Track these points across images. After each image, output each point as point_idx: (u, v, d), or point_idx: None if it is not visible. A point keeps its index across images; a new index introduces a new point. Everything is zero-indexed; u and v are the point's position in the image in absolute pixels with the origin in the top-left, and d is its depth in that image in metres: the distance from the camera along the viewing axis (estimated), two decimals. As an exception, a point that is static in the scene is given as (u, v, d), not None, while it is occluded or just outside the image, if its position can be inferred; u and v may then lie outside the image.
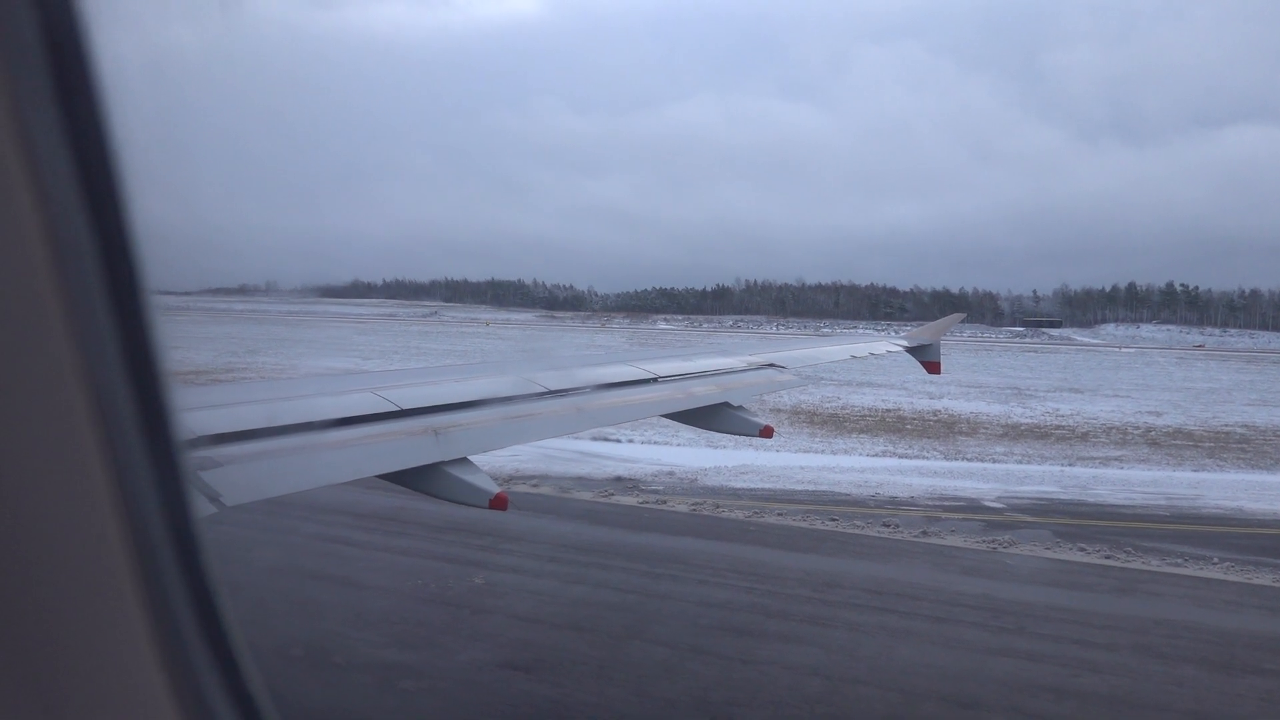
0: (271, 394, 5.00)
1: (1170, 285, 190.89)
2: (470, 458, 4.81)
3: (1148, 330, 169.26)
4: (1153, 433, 28.53)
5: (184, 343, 53.75)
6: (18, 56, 1.01)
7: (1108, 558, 12.63)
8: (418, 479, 4.59)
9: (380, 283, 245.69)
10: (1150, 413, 34.47)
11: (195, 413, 3.86)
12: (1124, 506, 16.71)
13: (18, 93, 1.01)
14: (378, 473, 4.44)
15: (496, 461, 16.20)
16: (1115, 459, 23.18)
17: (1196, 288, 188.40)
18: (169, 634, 1.20)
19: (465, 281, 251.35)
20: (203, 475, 3.40)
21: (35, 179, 1.02)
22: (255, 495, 3.64)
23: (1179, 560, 12.57)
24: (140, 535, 1.16)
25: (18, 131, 1.01)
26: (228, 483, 3.45)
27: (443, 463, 4.65)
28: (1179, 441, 26.72)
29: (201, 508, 3.17)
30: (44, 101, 1.05)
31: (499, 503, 4.65)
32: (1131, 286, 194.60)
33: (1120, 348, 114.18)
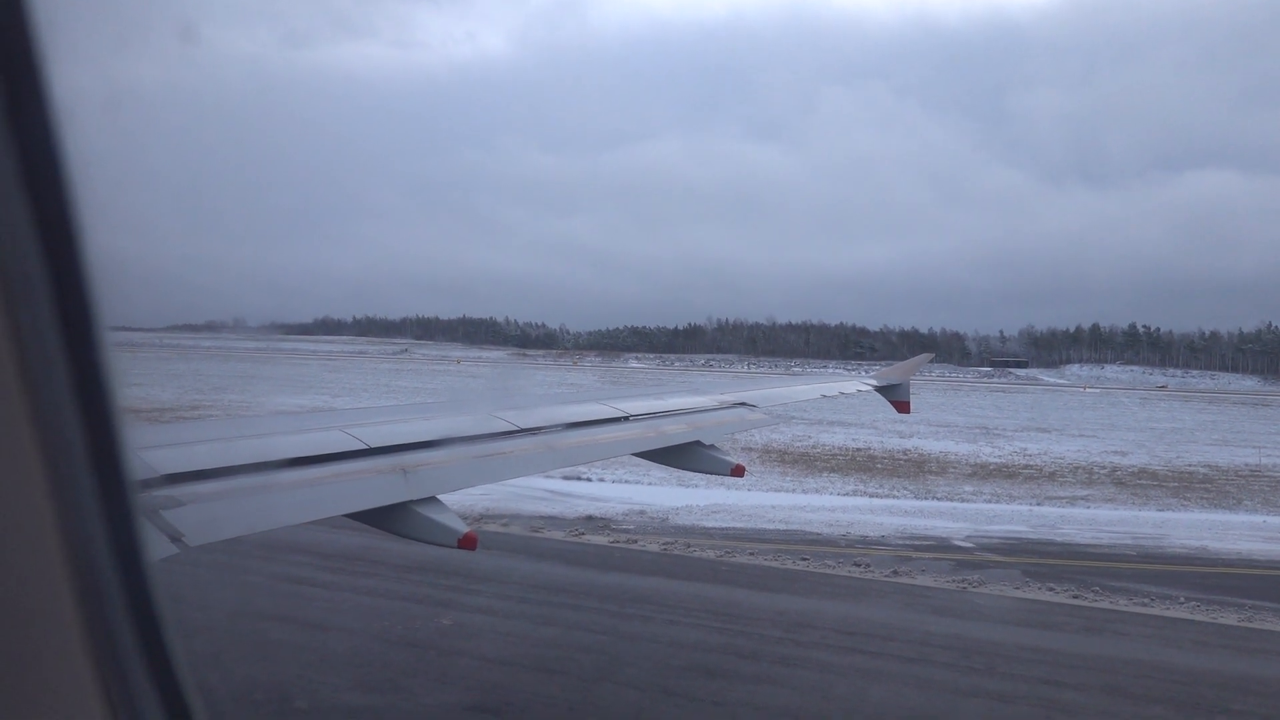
0: (237, 432, 4.93)
1: (1133, 326, 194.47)
2: (439, 497, 4.76)
3: (1112, 370, 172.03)
4: (1118, 472, 28.89)
5: (148, 379, 52.91)
6: None
7: (1076, 597, 12.69)
8: (386, 518, 4.53)
9: (350, 319, 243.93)
10: (1116, 452, 34.94)
11: (158, 450, 3.79)
12: (1091, 546, 16.85)
13: None
14: (345, 511, 4.38)
15: (466, 501, 16.02)
16: (1082, 498, 23.42)
17: (1158, 329, 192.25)
18: (114, 673, 1.16)
19: (437, 319, 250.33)
20: (165, 514, 3.32)
21: None
22: (219, 535, 3.57)
23: (1146, 600, 12.67)
24: (88, 573, 1.12)
25: None
26: (191, 522, 3.38)
27: (411, 502, 4.59)
28: (1144, 481, 27.07)
29: (163, 548, 3.10)
30: (4, 142, 1.03)
31: (468, 542, 4.59)
32: (1095, 327, 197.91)
33: (1085, 388, 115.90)
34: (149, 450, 3.70)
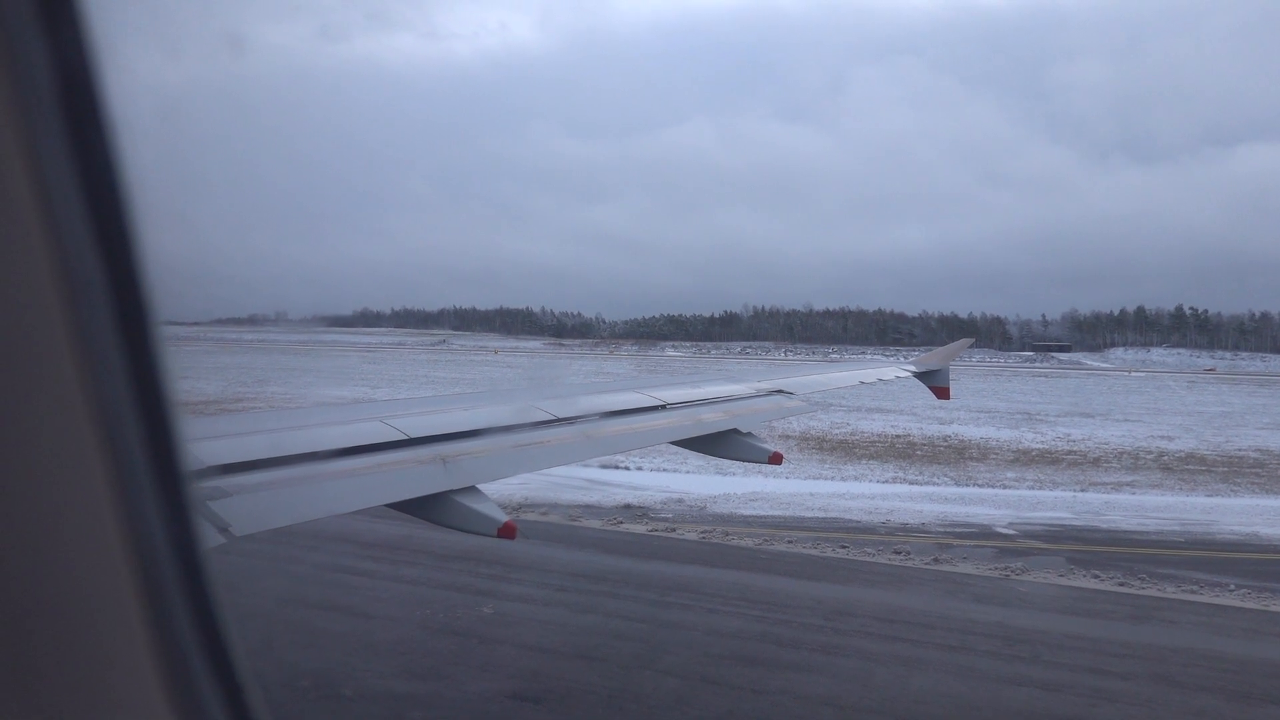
0: (280, 424, 5.01)
1: (1180, 308, 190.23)
2: (478, 486, 4.80)
3: (1158, 354, 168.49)
4: (1165, 457, 28.32)
5: (194, 373, 53.98)
6: (30, 91, 1.03)
7: (1122, 584, 12.49)
8: (426, 508, 4.58)
9: (389, 311, 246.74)
10: (1162, 437, 34.25)
11: (204, 443, 3.86)
12: (1138, 532, 16.55)
13: (31, 127, 1.02)
14: (386, 501, 4.43)
15: (505, 490, 16.16)
16: (1128, 484, 23.00)
17: (1206, 311, 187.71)
18: (175, 665, 1.19)
19: (474, 310, 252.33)
20: (212, 505, 3.39)
21: (47, 211, 1.03)
22: (264, 525, 3.63)
23: (1194, 587, 12.43)
24: (149, 566, 1.16)
25: (30, 166, 1.02)
26: (237, 513, 3.44)
27: (451, 491, 4.63)
28: (1192, 466, 26.51)
29: (210, 538, 3.16)
30: (55, 135, 1.06)
31: (507, 531, 4.63)
32: (1141, 310, 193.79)
33: (1130, 372, 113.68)
34: (196, 442, 3.77)
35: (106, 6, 1.10)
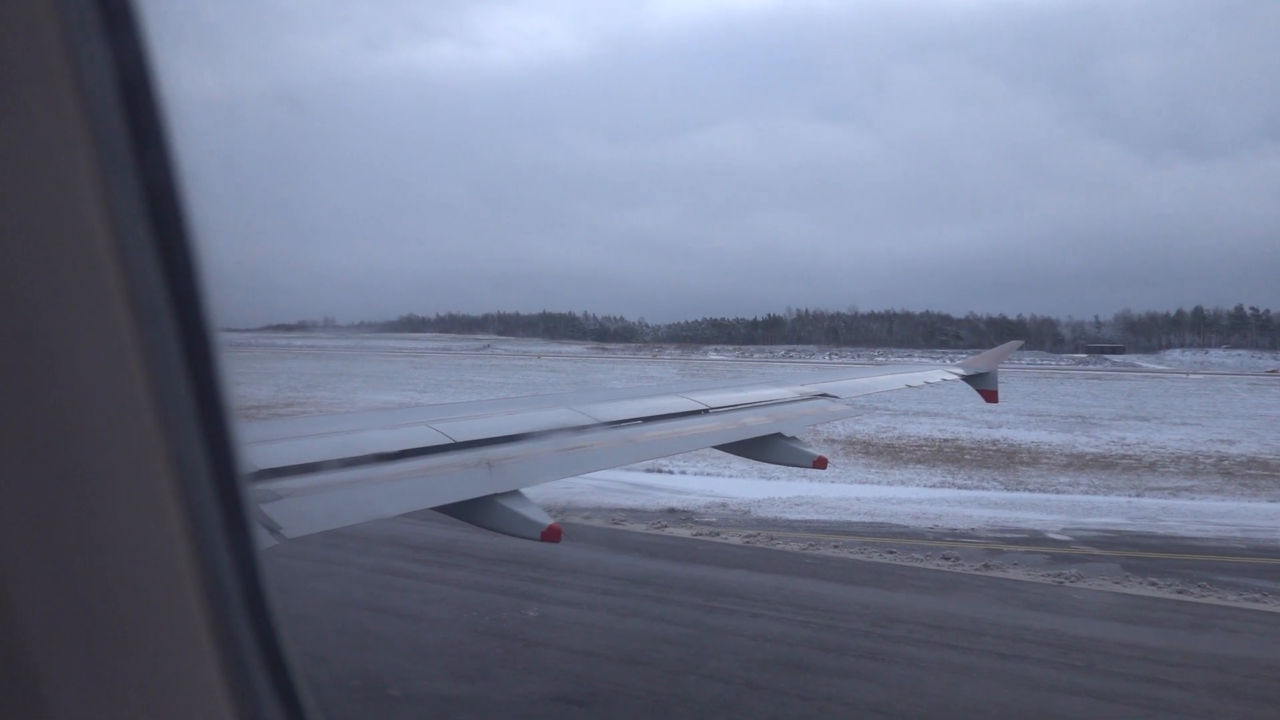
0: (329, 428, 5.09)
1: (1239, 308, 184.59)
2: (523, 490, 4.83)
3: (1216, 355, 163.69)
4: (1226, 462, 27.51)
5: (247, 378, 55.12)
6: (98, 102, 1.06)
7: (1180, 592, 12.15)
8: (471, 511, 4.62)
9: (434, 316, 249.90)
10: (1223, 441, 33.27)
11: (257, 447, 3.94)
12: (1197, 539, 16.09)
13: (96, 139, 1.06)
14: (432, 505, 4.48)
15: (549, 493, 16.24)
16: (1186, 489, 22.38)
17: (1268, 310, 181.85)
18: (234, 663, 1.22)
19: (517, 315, 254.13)
20: (264, 508, 3.46)
21: (113, 227, 1.06)
22: (315, 527, 3.69)
23: (1257, 595, 12.04)
24: (209, 567, 1.19)
25: (96, 180, 1.05)
26: (288, 515, 3.51)
27: (496, 495, 4.67)
28: (1254, 471, 25.71)
29: (263, 540, 3.22)
30: (119, 148, 1.10)
31: (552, 535, 4.65)
32: (1198, 310, 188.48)
33: (1188, 374, 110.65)
34: (249, 446, 3.85)
35: (162, 20, 1.13)
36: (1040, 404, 51.02)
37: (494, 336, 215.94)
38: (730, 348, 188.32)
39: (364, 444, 4.53)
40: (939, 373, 13.15)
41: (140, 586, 1.10)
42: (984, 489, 21.89)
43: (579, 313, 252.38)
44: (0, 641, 0.98)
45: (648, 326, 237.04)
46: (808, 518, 17.34)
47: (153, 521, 1.12)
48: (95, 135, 1.05)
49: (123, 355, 1.08)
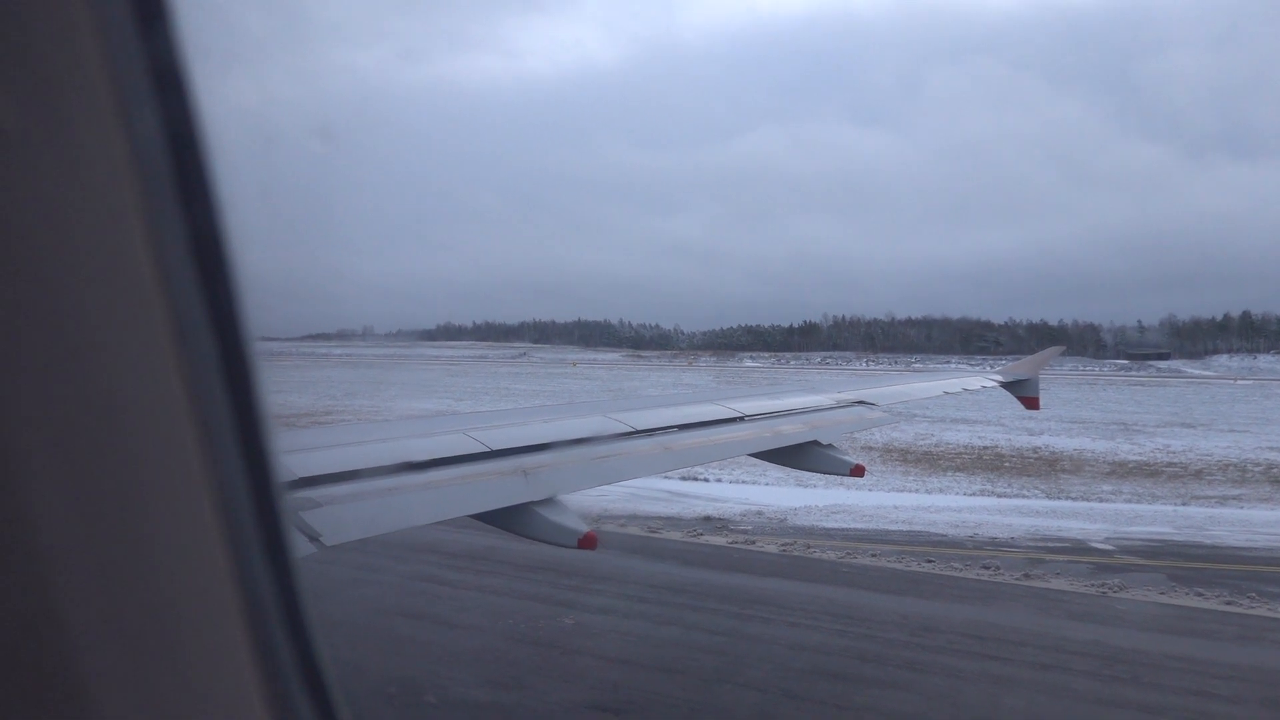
0: (368, 436, 5.16)
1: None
2: (559, 497, 4.85)
3: (1265, 361, 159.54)
4: (1275, 470, 26.80)
5: (286, 386, 55.98)
6: (136, 108, 1.08)
7: (1228, 603, 11.85)
8: (507, 519, 4.65)
9: (470, 325, 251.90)
10: (1272, 448, 32.43)
11: (296, 454, 4.00)
12: (1245, 549, 15.69)
13: (137, 150, 1.08)
14: (469, 512, 4.51)
15: (585, 501, 16.26)
16: (1234, 498, 21.84)
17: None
18: (270, 668, 1.24)
19: (553, 322, 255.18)
20: (303, 515, 3.51)
21: (155, 240, 1.09)
22: (353, 535, 3.73)
23: (1310, 607, 11.71)
24: (246, 573, 1.21)
25: (137, 186, 1.08)
26: (327, 523, 3.55)
27: (532, 503, 4.69)
28: (1305, 479, 25.03)
29: (301, 547, 3.26)
30: (159, 158, 1.12)
31: (588, 542, 4.66)
32: (1246, 315, 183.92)
33: (1235, 380, 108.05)
34: (287, 454, 3.91)
35: (199, 31, 1.15)
36: (1082, 410, 50.13)
37: (530, 344, 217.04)
38: (766, 355, 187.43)
39: (401, 452, 4.58)
40: (978, 379, 12.99)
41: (180, 595, 1.13)
42: (1024, 497, 21.54)
43: (614, 320, 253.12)
44: (50, 647, 1.00)
45: (683, 334, 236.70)
46: (844, 526, 17.19)
47: (192, 531, 1.14)
48: (132, 142, 1.07)
49: (164, 363, 1.10)
